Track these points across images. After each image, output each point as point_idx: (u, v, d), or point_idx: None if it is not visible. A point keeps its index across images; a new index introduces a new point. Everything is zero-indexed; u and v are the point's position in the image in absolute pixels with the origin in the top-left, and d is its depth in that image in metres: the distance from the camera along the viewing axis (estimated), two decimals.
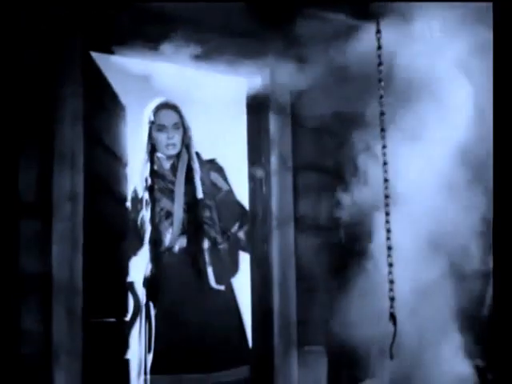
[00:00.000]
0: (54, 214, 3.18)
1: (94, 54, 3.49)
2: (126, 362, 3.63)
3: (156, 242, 3.79)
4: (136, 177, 3.97)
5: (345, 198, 3.73)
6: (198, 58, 3.60)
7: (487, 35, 2.72)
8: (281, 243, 3.82)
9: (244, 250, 3.96)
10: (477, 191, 3.30)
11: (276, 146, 3.83)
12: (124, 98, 3.86)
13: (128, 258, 3.80)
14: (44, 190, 3.18)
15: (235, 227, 3.88)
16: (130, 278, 3.81)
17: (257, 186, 3.92)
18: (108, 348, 3.45)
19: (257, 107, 3.90)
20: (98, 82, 3.56)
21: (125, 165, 3.87)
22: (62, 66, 3.25)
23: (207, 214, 3.84)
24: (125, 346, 3.64)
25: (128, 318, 3.76)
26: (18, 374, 2.80)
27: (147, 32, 3.49)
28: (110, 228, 3.57)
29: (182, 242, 3.79)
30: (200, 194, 3.83)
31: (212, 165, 4.00)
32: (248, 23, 3.71)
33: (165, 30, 3.49)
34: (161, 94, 3.88)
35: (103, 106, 3.60)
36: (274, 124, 3.84)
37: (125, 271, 3.71)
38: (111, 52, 3.52)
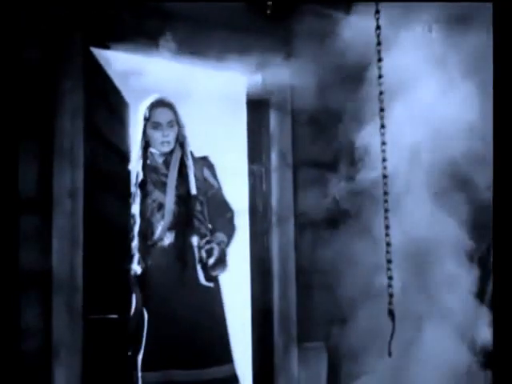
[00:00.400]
0: (54, 210, 3.19)
1: (94, 51, 3.48)
2: (126, 359, 3.63)
3: (146, 234, 3.78)
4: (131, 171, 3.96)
5: (344, 192, 3.74)
6: (197, 54, 3.61)
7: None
8: (281, 238, 3.83)
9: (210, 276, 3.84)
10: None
11: (276, 142, 3.84)
12: (124, 94, 3.86)
13: (128, 254, 3.79)
14: (44, 185, 3.19)
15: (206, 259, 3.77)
16: (130, 274, 3.80)
17: (257, 181, 3.93)
18: (108, 344, 3.46)
19: (257, 104, 3.91)
20: (98, 78, 3.55)
21: (124, 159, 3.86)
22: (63, 62, 3.26)
23: (198, 207, 3.84)
24: (125, 342, 3.64)
25: (130, 313, 3.74)
26: (17, 370, 2.80)
27: (145, 28, 3.49)
28: (110, 224, 3.57)
29: (172, 236, 3.78)
30: (193, 190, 3.82)
31: (204, 161, 3.99)
32: (248, 20, 3.71)
33: (163, 26, 3.49)
34: (158, 90, 3.86)
35: (104, 101, 3.59)
36: (273, 120, 3.85)
37: (125, 267, 3.71)
38: (109, 47, 3.52)
